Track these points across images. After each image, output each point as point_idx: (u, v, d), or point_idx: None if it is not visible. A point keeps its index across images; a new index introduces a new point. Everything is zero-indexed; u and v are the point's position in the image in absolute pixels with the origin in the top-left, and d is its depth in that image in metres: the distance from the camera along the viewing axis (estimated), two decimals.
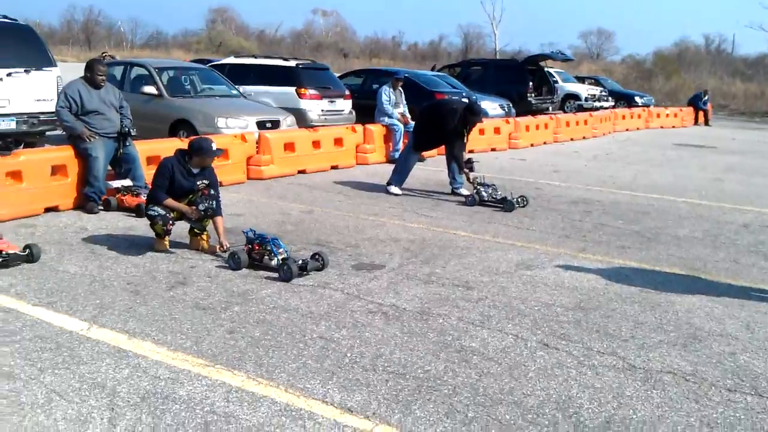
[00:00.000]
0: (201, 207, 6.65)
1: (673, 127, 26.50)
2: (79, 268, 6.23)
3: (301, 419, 3.83)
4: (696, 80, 44.13)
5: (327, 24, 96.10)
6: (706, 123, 28.28)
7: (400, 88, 13.89)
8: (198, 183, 6.73)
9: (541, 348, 4.91)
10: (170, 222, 6.63)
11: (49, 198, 8.17)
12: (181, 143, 8.90)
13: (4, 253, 6.07)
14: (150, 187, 7.12)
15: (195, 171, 6.76)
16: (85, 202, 8.32)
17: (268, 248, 6.33)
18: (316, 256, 6.37)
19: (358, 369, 4.46)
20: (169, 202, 6.63)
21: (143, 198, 8.08)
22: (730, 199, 11.24)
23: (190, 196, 6.74)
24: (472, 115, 9.85)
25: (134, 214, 8.16)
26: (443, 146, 10.57)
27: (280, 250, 6.32)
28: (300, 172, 11.66)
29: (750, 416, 4.08)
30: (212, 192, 6.75)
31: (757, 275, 6.96)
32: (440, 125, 9.96)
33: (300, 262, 6.19)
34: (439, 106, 10.53)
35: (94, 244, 6.98)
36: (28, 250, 6.22)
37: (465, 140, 10.16)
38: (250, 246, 6.42)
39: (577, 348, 4.93)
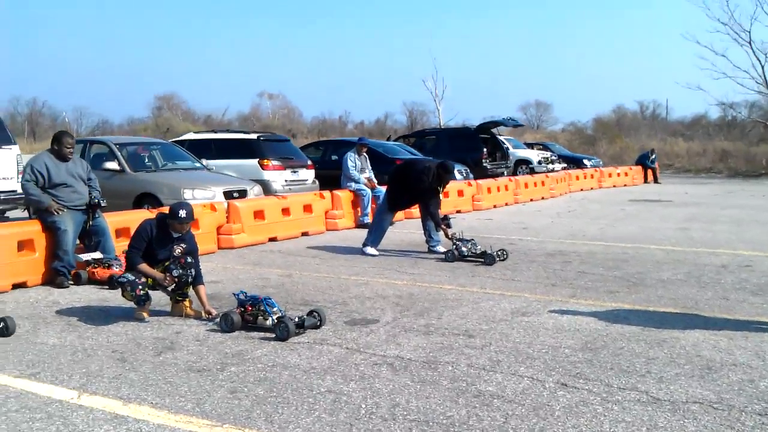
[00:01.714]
0: (175, 273, 6.35)
1: (625, 185, 27.09)
2: (57, 339, 5.86)
3: None
4: (637, 143, 45.46)
5: (274, 106, 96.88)
6: (656, 180, 29.00)
7: (364, 154, 13.88)
8: (175, 249, 6.44)
9: (560, 388, 4.72)
10: (139, 288, 6.31)
11: (17, 274, 7.78)
12: (150, 214, 8.61)
13: None
14: (122, 259, 6.82)
15: (175, 236, 6.50)
16: (54, 277, 7.93)
17: (262, 308, 6.06)
18: (313, 313, 6.13)
19: (376, 419, 4.20)
20: (143, 267, 6.34)
21: (116, 270, 7.76)
22: (701, 245, 11.35)
23: (167, 263, 6.46)
24: (446, 173, 9.85)
25: (107, 287, 7.80)
26: (415, 206, 10.49)
27: (274, 309, 6.06)
28: (271, 239, 11.43)
29: None
30: (189, 260, 6.46)
31: (751, 309, 6.93)
32: (414, 184, 9.91)
33: (296, 319, 5.93)
34: (412, 165, 10.51)
35: (70, 316, 6.62)
36: (2, 323, 5.84)
37: (439, 198, 10.10)
38: (242, 308, 6.14)
39: (596, 386, 4.76)
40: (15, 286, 7.72)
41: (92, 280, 8.03)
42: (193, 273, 6.44)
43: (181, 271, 6.35)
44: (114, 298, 7.29)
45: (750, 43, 34.48)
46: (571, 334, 6.01)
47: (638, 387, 4.74)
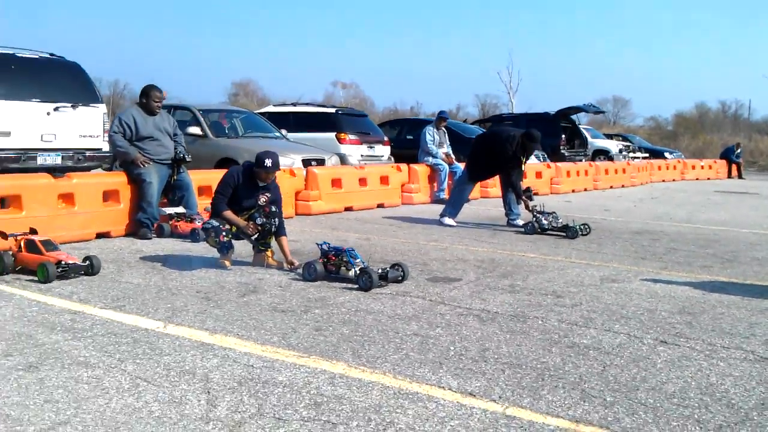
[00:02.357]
0: (259, 221, 6.30)
1: (708, 178, 26.10)
2: (142, 279, 5.89)
3: (420, 401, 3.40)
4: (720, 140, 43.84)
5: (347, 96, 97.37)
6: (740, 176, 27.86)
7: (443, 128, 13.66)
8: (260, 197, 6.40)
9: (659, 344, 4.46)
10: (223, 234, 6.28)
11: (101, 223, 7.88)
12: None
13: (63, 263, 5.74)
14: (204, 215, 6.81)
15: (261, 185, 6.45)
16: (137, 228, 8.02)
17: (345, 259, 5.95)
18: (397, 267, 5.98)
19: (467, 360, 4.03)
20: (228, 214, 6.30)
21: (198, 224, 7.78)
22: None
23: (251, 211, 6.42)
24: (531, 141, 9.54)
25: (189, 240, 7.83)
26: (496, 177, 10.24)
27: (357, 261, 5.95)
28: (347, 209, 11.36)
29: None
30: (273, 209, 6.41)
31: None
32: (497, 153, 9.65)
33: (380, 271, 5.80)
34: (496, 134, 10.24)
35: (153, 261, 6.65)
36: (88, 262, 5.90)
37: (522, 169, 9.83)
38: (325, 258, 6.05)
39: (698, 344, 4.48)
40: (99, 236, 7.82)
41: (174, 234, 8.08)
42: (276, 222, 6.38)
43: (264, 219, 6.31)
44: (197, 249, 7.31)
45: None
46: (667, 300, 5.71)
47: (743, 347, 4.45)
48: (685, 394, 3.58)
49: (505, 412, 3.29)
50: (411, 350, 4.18)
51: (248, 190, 6.37)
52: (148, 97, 8.30)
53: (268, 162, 6.25)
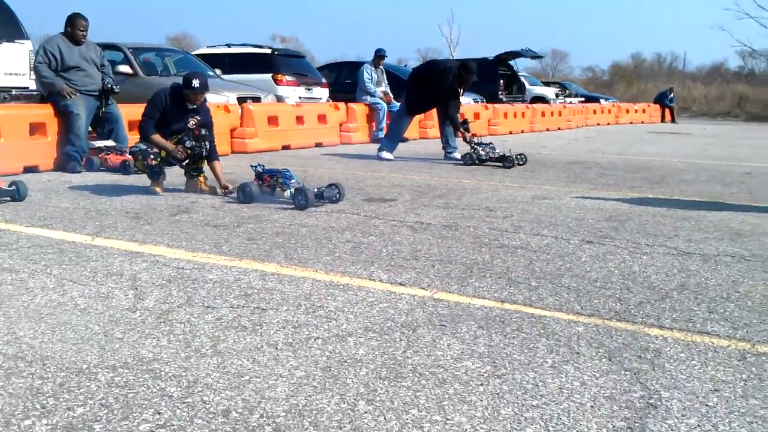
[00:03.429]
0: (188, 144, 6.15)
1: (642, 122, 26.66)
2: (70, 203, 5.76)
3: (350, 290, 3.43)
4: (654, 89, 44.61)
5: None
6: (673, 120, 28.52)
7: (381, 67, 13.56)
8: (189, 121, 6.25)
9: (585, 244, 4.58)
10: (151, 157, 6.14)
11: (28, 157, 7.65)
12: None
13: None
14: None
15: (190, 108, 6.31)
16: (66, 162, 7.79)
17: (280, 180, 5.91)
18: (333, 186, 5.96)
19: (398, 259, 4.08)
20: (156, 137, 6.16)
21: (129, 156, 7.60)
22: (723, 159, 11.13)
23: (180, 135, 6.27)
24: (468, 73, 9.55)
25: (120, 172, 7.65)
26: (433, 109, 10.26)
27: (293, 181, 5.91)
28: (284, 147, 11.25)
29: None
30: (203, 132, 6.27)
31: None
32: (434, 85, 9.64)
33: (316, 190, 5.78)
34: (433, 66, 10.21)
35: (83, 190, 6.49)
36: (14, 186, 5.72)
37: (459, 100, 9.85)
38: (260, 180, 5.99)
39: (623, 243, 4.62)
40: (26, 170, 7.58)
41: (105, 167, 7.90)
42: (208, 146, 6.27)
43: (194, 142, 6.18)
44: (128, 180, 7.16)
45: None
46: (594, 212, 5.86)
47: (666, 244, 4.60)
48: (607, 280, 3.70)
49: (432, 296, 3.35)
50: (343, 253, 4.20)
51: (177, 113, 6.22)
52: (73, 26, 8.00)
53: (196, 82, 6.10)
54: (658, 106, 28.87)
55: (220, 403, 2.18)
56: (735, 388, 2.40)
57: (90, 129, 8.20)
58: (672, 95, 29.14)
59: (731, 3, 57.28)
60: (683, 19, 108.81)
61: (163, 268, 3.77)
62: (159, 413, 2.10)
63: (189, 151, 6.19)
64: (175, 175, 6.67)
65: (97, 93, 8.11)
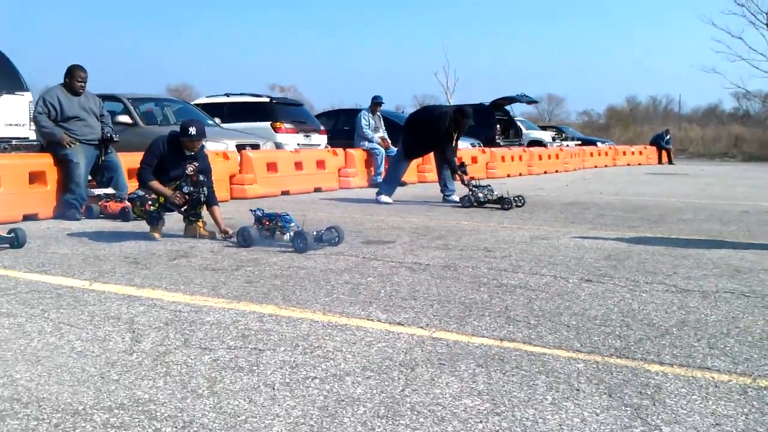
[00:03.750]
0: (185, 190, 6.19)
1: (639, 164, 26.80)
2: (69, 250, 5.76)
3: (349, 330, 3.42)
4: (651, 131, 44.96)
5: None
6: (670, 161, 28.65)
7: (379, 113, 13.71)
8: (187, 167, 6.30)
9: (584, 282, 4.57)
10: (149, 203, 6.17)
11: (28, 205, 7.68)
12: None
13: None
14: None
15: (188, 154, 6.36)
16: (65, 210, 7.83)
17: (279, 224, 5.93)
18: (332, 229, 5.97)
19: (397, 299, 4.07)
20: (154, 184, 6.20)
21: (128, 203, 7.63)
22: (722, 198, 11.17)
23: (178, 182, 6.31)
24: (464, 117, 9.67)
25: (120, 219, 7.68)
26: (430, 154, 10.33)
27: (292, 225, 5.93)
28: (283, 192, 11.30)
29: None
30: (201, 178, 6.32)
31: None
32: (430, 130, 9.74)
33: (315, 233, 5.79)
34: (429, 111, 10.35)
35: (81, 236, 6.51)
36: (12, 233, 5.74)
37: (456, 145, 9.94)
38: (259, 224, 6.01)
39: (622, 281, 4.61)
40: (26, 218, 7.61)
41: (104, 214, 7.92)
42: (206, 192, 6.30)
43: (192, 188, 6.22)
44: (127, 227, 7.18)
45: (767, 25, 34.06)
46: (593, 251, 5.86)
47: (665, 282, 4.59)
48: (607, 317, 3.69)
49: (431, 335, 3.34)
50: (342, 294, 4.20)
51: (175, 161, 6.28)
52: (72, 77, 8.11)
53: (192, 129, 6.17)
54: (654, 147, 29.03)
55: None
56: (737, 422, 2.37)
57: (90, 177, 8.24)
58: (668, 137, 29.32)
59: (723, 46, 58.04)
60: (677, 62, 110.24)
61: (161, 311, 3.76)
62: None
63: (187, 197, 6.22)
64: (174, 221, 6.69)
65: (96, 142, 8.17)
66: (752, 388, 2.69)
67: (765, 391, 2.65)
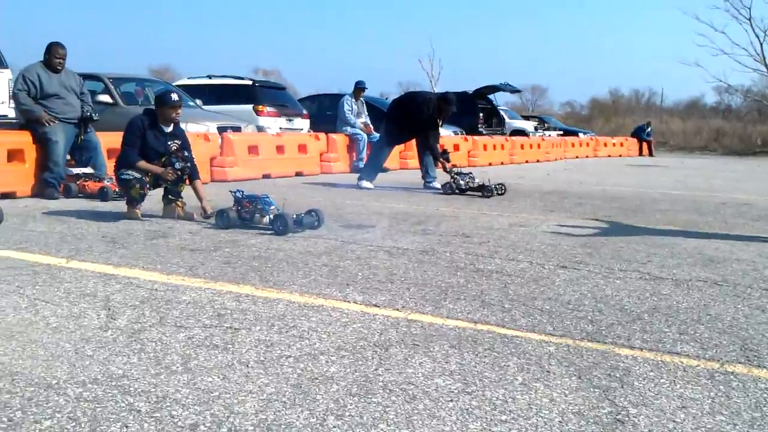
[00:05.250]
0: (178, 166, 6.21)
1: (620, 155, 27.00)
2: (46, 228, 5.73)
3: (325, 311, 3.43)
4: (633, 123, 45.23)
5: None
6: (651, 154, 28.89)
7: (362, 99, 13.69)
8: (170, 143, 6.29)
9: (559, 269, 4.62)
10: (146, 186, 6.18)
11: (5, 183, 7.62)
12: None
13: None
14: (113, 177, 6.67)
15: (166, 130, 6.34)
16: (43, 189, 7.77)
17: (259, 206, 5.92)
18: (312, 213, 5.97)
19: (374, 282, 4.10)
20: (142, 164, 6.18)
21: (107, 183, 7.61)
22: (700, 190, 11.28)
23: (162, 158, 6.29)
24: (447, 104, 9.68)
25: (98, 199, 7.63)
26: (413, 140, 10.35)
27: (272, 207, 5.92)
28: (265, 176, 11.28)
29: None
30: (186, 153, 6.33)
31: (751, 230, 6.84)
32: (414, 116, 9.74)
33: (294, 216, 5.79)
34: (412, 97, 10.34)
35: (59, 215, 6.47)
36: None
37: (438, 131, 9.95)
38: (239, 206, 6.00)
39: (597, 268, 4.66)
40: (3, 196, 7.55)
41: (82, 193, 7.87)
42: (190, 165, 6.31)
43: (183, 163, 6.22)
44: (106, 206, 7.14)
45: (750, 20, 34.35)
46: (570, 238, 5.92)
47: (640, 269, 4.65)
48: (580, 303, 3.74)
49: (406, 317, 3.37)
50: (319, 276, 4.21)
51: (156, 139, 6.26)
52: (51, 54, 8.03)
53: (174, 95, 6.24)
54: (635, 139, 29.24)
55: (188, 417, 2.18)
56: (702, 405, 2.42)
57: (68, 156, 8.18)
58: (649, 129, 29.56)
59: (706, 40, 58.46)
60: (660, 56, 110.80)
61: (137, 289, 3.76)
62: (126, 426, 2.09)
63: (179, 172, 6.21)
64: (153, 201, 6.66)
65: (76, 121, 8.10)
66: (720, 372, 2.75)
67: (732, 376, 2.71)
